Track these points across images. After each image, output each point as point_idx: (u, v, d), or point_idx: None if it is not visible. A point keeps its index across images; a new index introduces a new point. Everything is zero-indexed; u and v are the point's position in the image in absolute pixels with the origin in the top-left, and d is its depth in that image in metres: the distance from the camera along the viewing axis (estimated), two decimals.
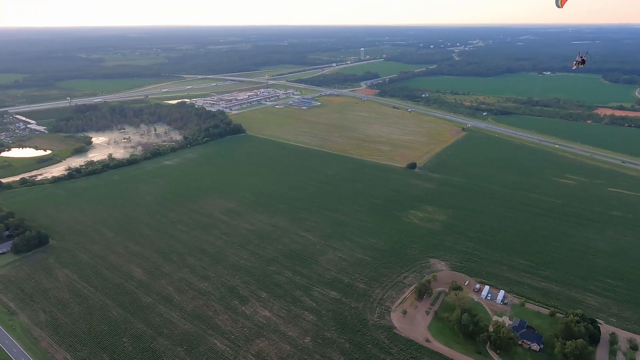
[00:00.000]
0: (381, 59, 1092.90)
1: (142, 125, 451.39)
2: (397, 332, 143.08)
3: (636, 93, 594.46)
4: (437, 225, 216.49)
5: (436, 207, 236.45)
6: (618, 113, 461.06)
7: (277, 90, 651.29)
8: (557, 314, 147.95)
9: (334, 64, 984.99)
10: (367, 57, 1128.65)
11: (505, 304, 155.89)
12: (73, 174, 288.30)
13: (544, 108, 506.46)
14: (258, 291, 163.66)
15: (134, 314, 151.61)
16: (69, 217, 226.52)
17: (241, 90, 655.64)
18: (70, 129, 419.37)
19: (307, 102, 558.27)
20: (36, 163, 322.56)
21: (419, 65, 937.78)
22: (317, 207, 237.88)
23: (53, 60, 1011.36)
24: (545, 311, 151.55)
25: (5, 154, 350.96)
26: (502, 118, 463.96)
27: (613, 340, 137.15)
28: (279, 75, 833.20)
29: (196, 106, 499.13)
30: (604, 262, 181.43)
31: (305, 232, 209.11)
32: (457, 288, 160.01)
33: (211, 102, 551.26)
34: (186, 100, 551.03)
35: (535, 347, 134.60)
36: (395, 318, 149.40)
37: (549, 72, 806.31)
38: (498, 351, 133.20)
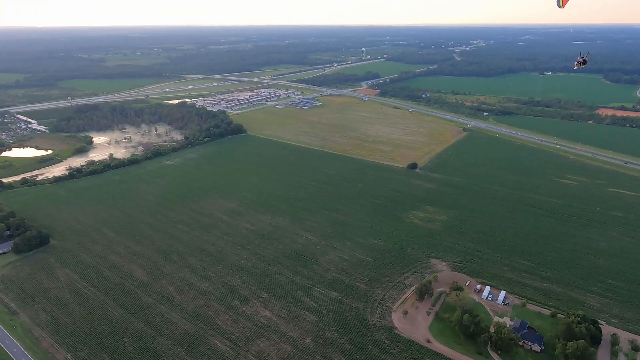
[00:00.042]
0: (382, 59, 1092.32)
1: (143, 125, 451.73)
2: (398, 332, 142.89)
3: (637, 93, 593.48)
4: (438, 225, 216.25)
5: (437, 208, 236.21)
6: (619, 113, 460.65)
7: (278, 90, 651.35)
8: (558, 315, 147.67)
9: (335, 64, 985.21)
10: (368, 57, 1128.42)
11: (506, 304, 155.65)
12: (74, 174, 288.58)
13: (545, 108, 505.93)
14: (259, 291, 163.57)
15: (135, 314, 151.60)
16: (69, 217, 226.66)
17: (242, 90, 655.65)
18: (71, 128, 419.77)
19: (308, 102, 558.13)
20: (37, 163, 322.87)
21: (420, 65, 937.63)
22: (318, 207, 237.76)
23: (54, 60, 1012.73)
24: (547, 312, 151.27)
25: (6, 153, 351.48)
26: (503, 118, 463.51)
27: (614, 341, 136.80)
28: (280, 75, 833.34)
29: (197, 106, 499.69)
30: (605, 263, 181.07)
31: (306, 232, 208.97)
32: (458, 288, 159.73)
33: (212, 102, 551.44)
34: (187, 100, 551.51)
35: (536, 348, 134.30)
36: (396, 318, 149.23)
37: (550, 72, 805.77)
38: (499, 352, 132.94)
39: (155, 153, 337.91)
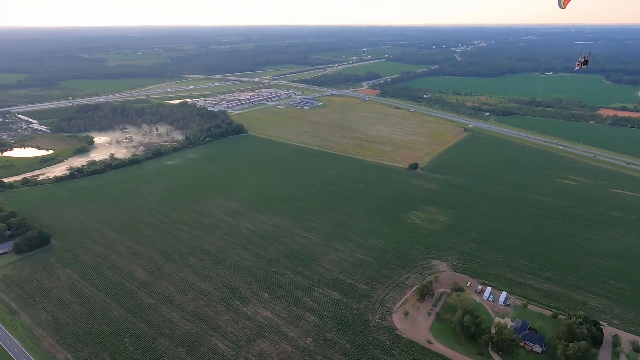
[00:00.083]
0: (383, 59, 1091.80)
1: (144, 125, 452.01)
2: (399, 333, 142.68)
3: (639, 94, 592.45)
4: (439, 226, 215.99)
5: (438, 208, 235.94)
6: (621, 114, 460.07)
7: (279, 91, 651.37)
8: (560, 316, 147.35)
9: (336, 64, 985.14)
10: (369, 57, 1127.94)
11: (507, 305, 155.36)
12: (75, 174, 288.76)
13: (547, 109, 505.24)
14: (259, 292, 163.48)
15: (136, 314, 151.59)
16: (70, 217, 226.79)
17: (243, 90, 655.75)
18: (73, 128, 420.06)
19: (309, 102, 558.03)
20: (38, 163, 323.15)
21: (420, 66, 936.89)
22: (319, 208, 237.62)
23: (55, 60, 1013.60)
24: (548, 313, 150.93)
25: (7, 153, 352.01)
26: (504, 119, 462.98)
27: (616, 342, 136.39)
28: (281, 75, 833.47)
29: (198, 106, 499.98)
30: (606, 264, 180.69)
31: (307, 233, 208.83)
32: (459, 289, 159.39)
33: (213, 102, 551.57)
34: (188, 100, 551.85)
35: (537, 348, 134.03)
36: (397, 319, 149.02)
37: (551, 73, 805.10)
38: (500, 353, 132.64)
39: (156, 153, 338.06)
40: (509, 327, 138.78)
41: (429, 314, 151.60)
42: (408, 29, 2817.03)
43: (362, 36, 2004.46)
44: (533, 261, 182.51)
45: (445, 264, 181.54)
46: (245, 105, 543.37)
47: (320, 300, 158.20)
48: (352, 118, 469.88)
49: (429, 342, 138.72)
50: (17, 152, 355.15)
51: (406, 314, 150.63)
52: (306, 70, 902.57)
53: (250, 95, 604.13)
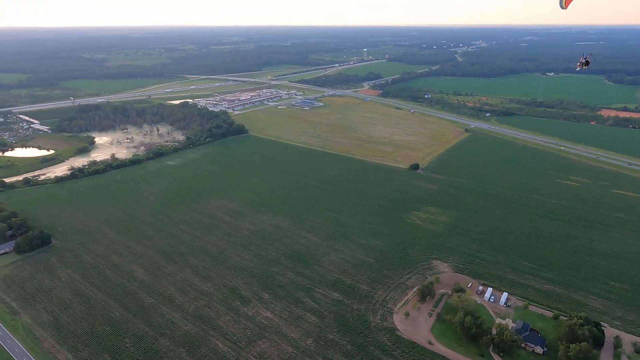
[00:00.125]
0: (384, 60, 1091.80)
1: (145, 126, 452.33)
2: (400, 334, 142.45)
3: None
4: (439, 226, 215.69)
5: (439, 209, 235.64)
6: (622, 114, 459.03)
7: (280, 91, 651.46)
8: (561, 317, 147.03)
9: (337, 65, 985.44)
10: (370, 57, 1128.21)
11: (508, 306, 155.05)
12: (76, 174, 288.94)
13: (548, 109, 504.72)
14: (260, 292, 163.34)
15: (136, 314, 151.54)
16: (71, 217, 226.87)
17: (244, 91, 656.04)
18: (74, 128, 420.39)
19: (310, 102, 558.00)
20: (39, 163, 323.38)
21: (421, 66, 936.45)
22: (319, 208, 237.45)
23: (56, 60, 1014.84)
24: (549, 314, 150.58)
25: (8, 153, 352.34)
26: (505, 119, 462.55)
27: (617, 343, 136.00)
28: (282, 75, 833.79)
29: (199, 106, 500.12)
30: (608, 265, 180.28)
31: (308, 233, 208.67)
32: (460, 290, 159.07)
33: (214, 102, 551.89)
34: (189, 100, 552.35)
35: (538, 350, 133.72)
36: (398, 320, 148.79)
37: (552, 73, 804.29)
38: (501, 354, 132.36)
39: (157, 153, 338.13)
40: (510, 328, 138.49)
41: (430, 315, 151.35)
42: (409, 30, 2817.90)
43: (363, 36, 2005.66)
44: (534, 262, 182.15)
45: (446, 265, 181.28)
46: (246, 106, 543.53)
47: (321, 301, 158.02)
48: (353, 118, 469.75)
49: (430, 343, 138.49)
50: (18, 152, 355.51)
51: (407, 314, 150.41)
52: (307, 71, 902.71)
53: (251, 96, 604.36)
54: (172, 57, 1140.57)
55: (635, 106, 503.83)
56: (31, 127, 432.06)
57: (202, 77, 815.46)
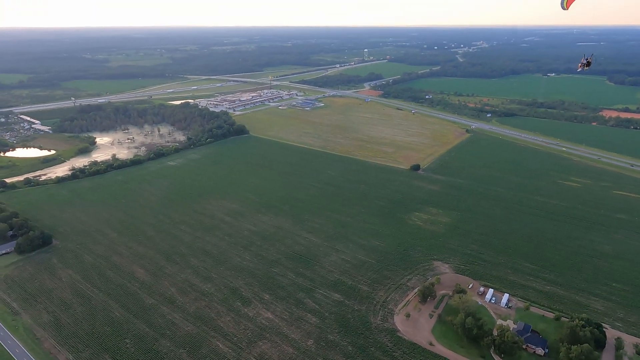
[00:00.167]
0: (385, 60, 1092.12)
1: (146, 126, 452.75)
2: (401, 335, 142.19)
3: None
4: (441, 227, 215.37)
5: (440, 209, 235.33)
6: (623, 115, 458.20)
7: (281, 91, 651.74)
8: (562, 318, 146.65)
9: (338, 65, 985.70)
10: (371, 58, 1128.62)
11: (509, 307, 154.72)
12: (77, 174, 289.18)
13: (549, 110, 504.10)
14: (261, 293, 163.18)
15: (137, 315, 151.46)
16: (72, 218, 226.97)
17: (245, 91, 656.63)
18: (75, 129, 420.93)
19: (311, 103, 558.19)
20: (40, 163, 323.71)
21: (422, 67, 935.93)
22: (320, 209, 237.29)
23: (57, 61, 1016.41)
24: (550, 315, 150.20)
25: (9, 153, 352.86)
26: (506, 120, 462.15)
27: (619, 345, 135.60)
28: (283, 76, 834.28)
29: (200, 107, 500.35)
30: (609, 266, 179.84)
31: (308, 234, 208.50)
32: (461, 291, 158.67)
33: (215, 102, 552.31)
34: (190, 100, 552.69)
35: (540, 351, 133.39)
36: (399, 321, 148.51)
37: (553, 74, 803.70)
38: (502, 355, 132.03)
39: (157, 154, 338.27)
40: (511, 329, 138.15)
41: (431, 316, 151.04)
42: (410, 30, 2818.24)
43: (363, 37, 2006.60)
44: (535, 263, 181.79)
45: (447, 266, 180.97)
46: (247, 106, 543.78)
47: (321, 302, 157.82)
48: (353, 119, 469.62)
49: (431, 344, 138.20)
50: (20, 153, 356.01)
51: (408, 315, 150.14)
52: (308, 71, 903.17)
53: (252, 96, 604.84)
54: (173, 58, 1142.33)
55: (637, 107, 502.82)
56: (32, 128, 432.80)
57: (203, 77, 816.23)
